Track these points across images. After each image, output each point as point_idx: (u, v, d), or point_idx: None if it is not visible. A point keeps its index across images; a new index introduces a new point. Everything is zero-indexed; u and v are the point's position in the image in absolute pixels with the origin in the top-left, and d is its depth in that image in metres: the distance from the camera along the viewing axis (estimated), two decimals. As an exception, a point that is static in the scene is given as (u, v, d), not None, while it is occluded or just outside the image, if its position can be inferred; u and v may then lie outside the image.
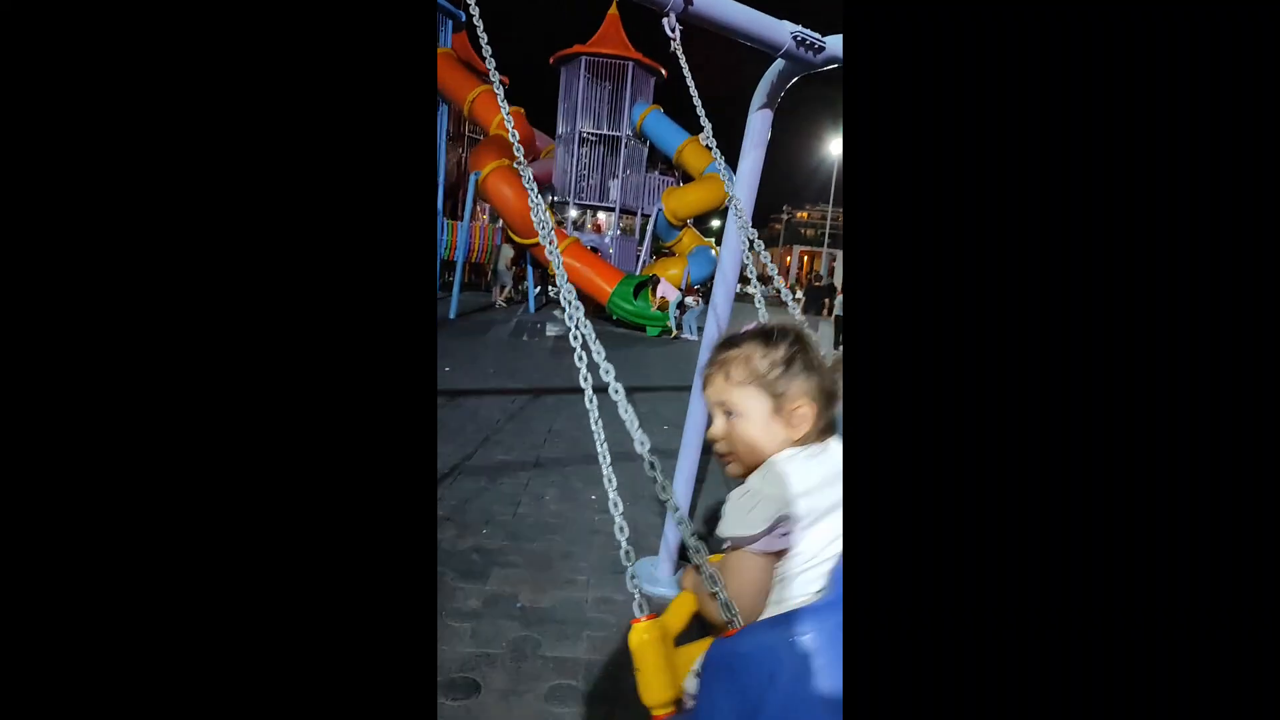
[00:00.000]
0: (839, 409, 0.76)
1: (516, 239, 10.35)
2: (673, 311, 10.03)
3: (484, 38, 1.32)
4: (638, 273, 11.45)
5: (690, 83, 1.46)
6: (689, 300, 10.47)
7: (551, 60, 13.45)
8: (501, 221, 10.98)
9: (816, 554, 0.73)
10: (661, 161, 14.52)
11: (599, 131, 13.26)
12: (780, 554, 0.72)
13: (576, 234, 12.43)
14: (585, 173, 13.51)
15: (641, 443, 0.78)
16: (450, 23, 11.64)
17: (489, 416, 4.36)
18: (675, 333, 9.98)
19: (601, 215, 15.55)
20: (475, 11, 1.34)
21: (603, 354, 0.86)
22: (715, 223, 20.61)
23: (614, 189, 13.44)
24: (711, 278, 15.39)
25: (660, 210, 12.76)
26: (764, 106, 1.97)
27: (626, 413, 0.80)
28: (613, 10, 13.24)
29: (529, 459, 3.61)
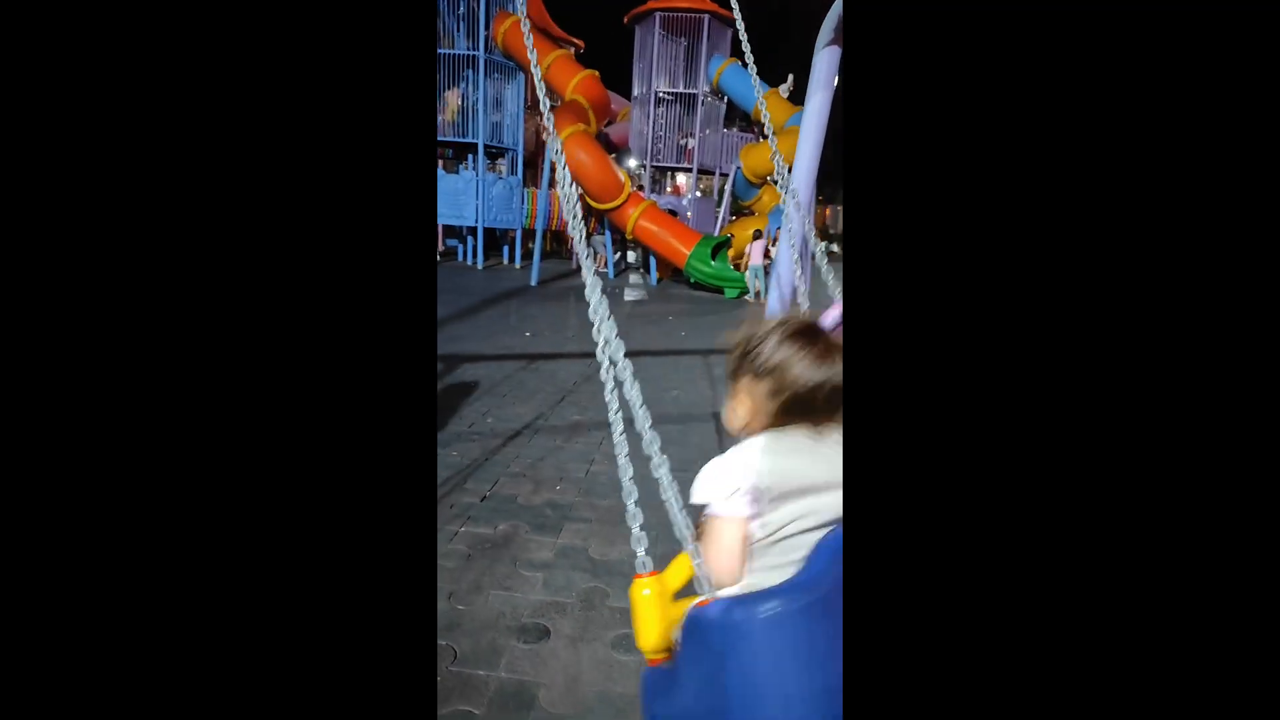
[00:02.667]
0: (798, 403, 0.83)
1: (593, 204, 10.39)
2: (752, 277, 9.79)
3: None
4: (716, 233, 11.24)
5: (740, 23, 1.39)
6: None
7: (626, 20, 13.21)
8: (579, 189, 11.04)
9: (780, 528, 0.80)
10: (740, 118, 14.06)
11: (675, 90, 12.97)
12: (745, 521, 0.80)
13: (653, 197, 12.32)
14: (662, 133, 13.30)
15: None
16: (524, -12, 11.64)
17: (566, 378, 4.47)
18: (757, 299, 9.76)
19: (681, 178, 15.31)
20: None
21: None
22: (798, 179, 19.79)
23: (693, 148, 13.19)
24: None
25: (739, 168, 12.41)
26: (832, 43, 1.85)
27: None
28: (687, -40, 12.78)
29: (603, 419, 3.69)
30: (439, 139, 11.67)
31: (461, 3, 11.24)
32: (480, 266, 11.42)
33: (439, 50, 11.14)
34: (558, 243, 15.19)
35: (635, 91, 13.35)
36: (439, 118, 11.52)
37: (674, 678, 0.80)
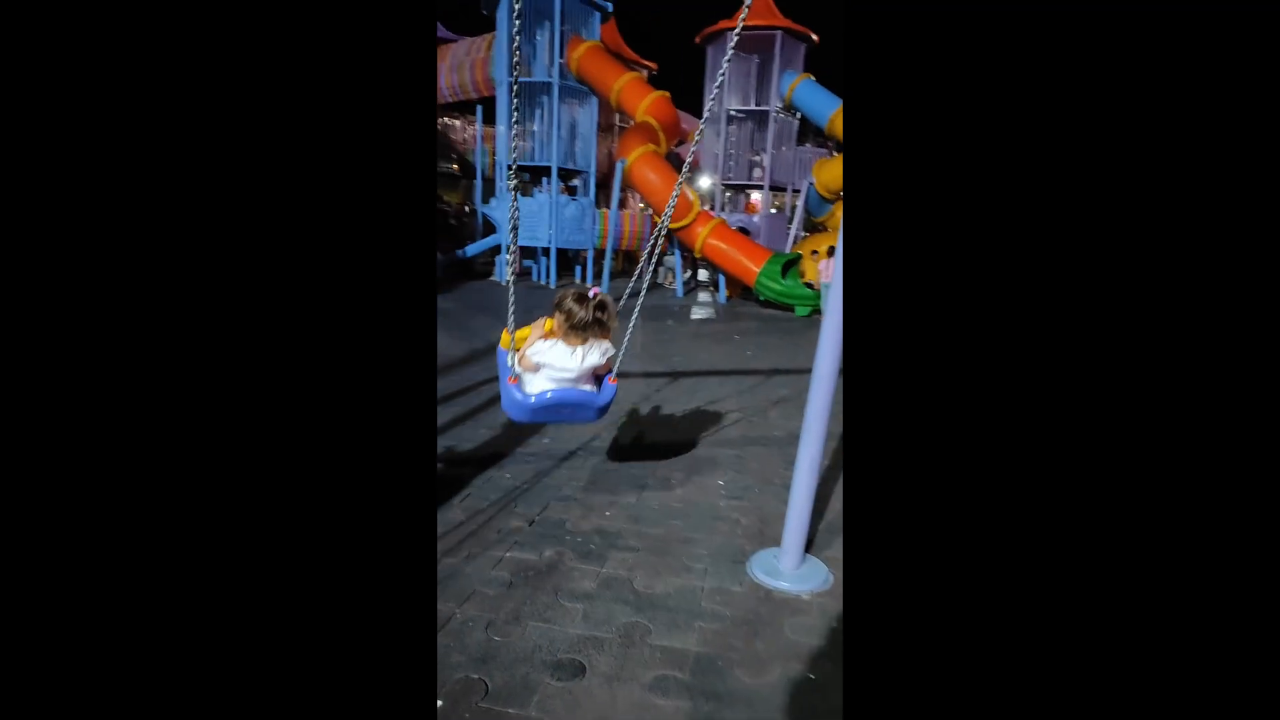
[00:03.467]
0: (573, 328, 2.32)
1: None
2: (826, 293, 9.49)
3: None
4: (788, 250, 11.00)
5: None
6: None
7: (698, 40, 13.27)
8: (650, 209, 11.08)
9: (544, 370, 2.38)
10: (813, 133, 13.78)
11: (746, 107, 12.88)
12: (534, 364, 2.38)
13: (721, 215, 12.22)
14: (733, 151, 13.21)
15: None
16: (598, 14, 11.92)
17: (624, 398, 4.42)
18: None
19: (755, 195, 15.16)
20: None
21: None
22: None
23: (764, 162, 13.01)
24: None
25: (811, 184, 12.13)
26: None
27: None
28: (760, -23, 12.72)
29: (660, 440, 3.60)
30: (519, 164, 12.04)
31: (539, 32, 11.61)
32: (553, 286, 11.64)
33: (521, 80, 11.52)
34: (628, 262, 15.30)
35: (707, 110, 13.37)
36: (521, 144, 11.92)
37: (502, 366, 2.45)
